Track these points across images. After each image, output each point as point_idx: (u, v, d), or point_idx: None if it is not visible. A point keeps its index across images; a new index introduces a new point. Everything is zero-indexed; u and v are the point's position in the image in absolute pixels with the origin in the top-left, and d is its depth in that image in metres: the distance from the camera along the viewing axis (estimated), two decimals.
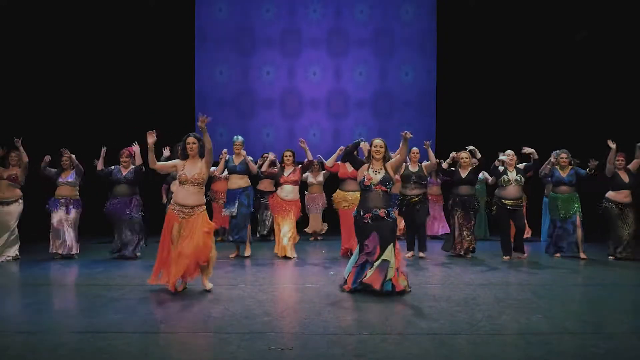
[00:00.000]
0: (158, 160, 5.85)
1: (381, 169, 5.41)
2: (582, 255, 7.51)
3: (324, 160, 7.67)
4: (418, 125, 11.38)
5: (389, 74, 11.54)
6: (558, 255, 7.72)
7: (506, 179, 7.39)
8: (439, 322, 4.30)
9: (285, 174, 7.76)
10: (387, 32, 11.52)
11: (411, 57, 11.53)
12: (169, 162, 5.79)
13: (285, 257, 7.55)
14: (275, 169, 8.06)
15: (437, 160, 7.64)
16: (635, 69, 10.01)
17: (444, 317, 4.44)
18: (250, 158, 7.71)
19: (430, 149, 7.33)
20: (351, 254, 7.24)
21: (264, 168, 8.05)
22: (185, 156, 5.44)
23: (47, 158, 7.67)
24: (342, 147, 7.47)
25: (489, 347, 3.74)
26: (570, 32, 10.56)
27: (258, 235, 9.52)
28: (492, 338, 3.93)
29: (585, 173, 7.58)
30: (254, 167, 7.64)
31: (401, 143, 5.59)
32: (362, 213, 5.31)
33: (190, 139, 5.42)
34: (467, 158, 7.60)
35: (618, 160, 7.47)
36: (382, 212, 5.27)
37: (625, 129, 9.75)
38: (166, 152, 7.65)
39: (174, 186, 6.37)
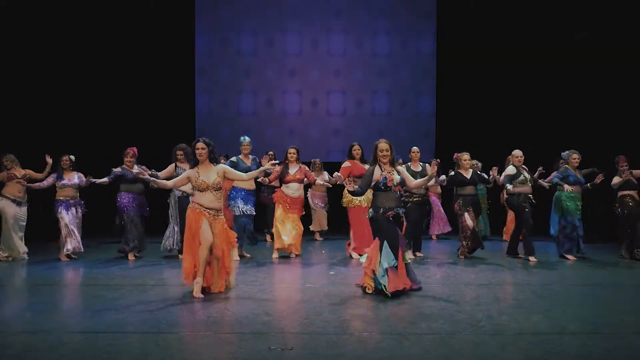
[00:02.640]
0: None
1: (393, 171, 5.41)
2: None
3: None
4: (418, 124, 11.39)
5: (388, 74, 11.54)
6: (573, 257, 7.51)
7: (523, 179, 7.40)
8: (439, 322, 4.30)
9: (292, 172, 7.62)
10: (386, 32, 11.52)
11: (411, 57, 11.53)
12: (181, 176, 5.40)
13: (286, 254, 7.56)
14: (277, 169, 7.87)
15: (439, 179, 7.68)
16: (636, 69, 10.00)
17: (444, 317, 4.44)
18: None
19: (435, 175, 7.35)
20: (360, 255, 7.23)
21: (268, 178, 7.75)
22: (195, 162, 5.27)
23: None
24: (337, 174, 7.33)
25: (489, 347, 3.73)
26: (571, 32, 10.55)
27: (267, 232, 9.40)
28: (492, 338, 3.93)
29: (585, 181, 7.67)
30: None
31: (422, 179, 5.74)
32: (382, 212, 5.29)
33: (200, 144, 5.23)
34: (468, 160, 7.60)
35: (623, 166, 7.52)
36: (400, 212, 5.37)
37: (626, 129, 9.77)
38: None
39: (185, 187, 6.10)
